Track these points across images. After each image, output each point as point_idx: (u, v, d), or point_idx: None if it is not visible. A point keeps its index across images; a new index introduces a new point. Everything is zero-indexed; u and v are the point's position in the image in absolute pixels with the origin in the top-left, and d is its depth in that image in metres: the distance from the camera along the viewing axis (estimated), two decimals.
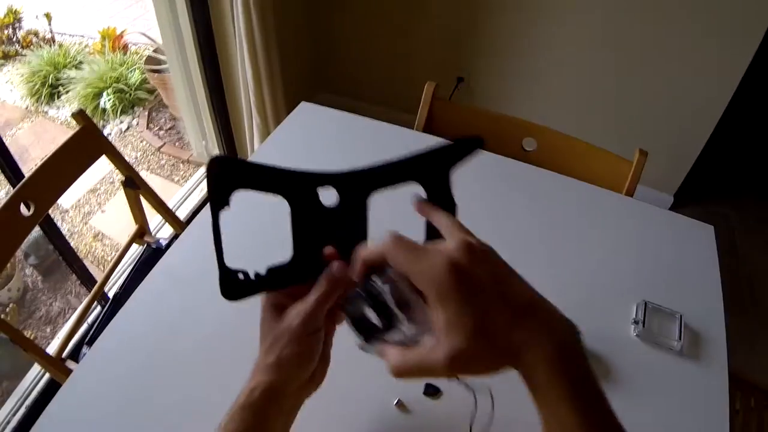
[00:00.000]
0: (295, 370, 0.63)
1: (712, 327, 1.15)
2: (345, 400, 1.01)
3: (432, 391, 1.02)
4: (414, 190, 0.61)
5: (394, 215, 0.69)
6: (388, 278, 0.57)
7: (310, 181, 0.64)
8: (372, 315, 0.58)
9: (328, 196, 0.64)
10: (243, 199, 0.63)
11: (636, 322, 1.15)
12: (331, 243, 0.65)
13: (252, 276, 0.65)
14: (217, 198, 0.63)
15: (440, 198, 0.62)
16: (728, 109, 2.66)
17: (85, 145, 1.69)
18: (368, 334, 0.60)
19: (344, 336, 0.69)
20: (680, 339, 1.11)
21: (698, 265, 1.29)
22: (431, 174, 0.62)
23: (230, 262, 0.65)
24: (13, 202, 1.51)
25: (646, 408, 1.03)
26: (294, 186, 0.64)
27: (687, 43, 2.57)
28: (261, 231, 0.89)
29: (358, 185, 0.64)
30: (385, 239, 0.56)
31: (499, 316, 0.52)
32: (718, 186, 3.43)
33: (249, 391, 0.63)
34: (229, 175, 0.63)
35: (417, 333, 0.55)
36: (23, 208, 1.54)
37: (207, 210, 1.39)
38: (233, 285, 0.65)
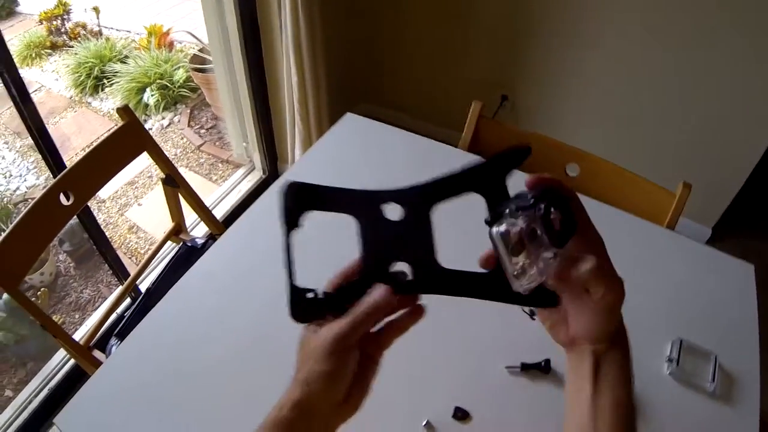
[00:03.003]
0: (324, 388, 0.61)
1: (746, 369, 1.13)
2: (373, 419, 1.00)
3: (461, 415, 1.01)
4: (474, 199, 0.63)
5: (456, 224, 0.74)
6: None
7: (375, 199, 0.65)
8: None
9: (393, 211, 0.65)
10: (309, 219, 0.65)
11: (670, 360, 1.12)
12: (398, 257, 0.66)
13: (321, 295, 0.65)
14: (290, 220, 0.66)
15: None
16: None
17: (128, 141, 1.71)
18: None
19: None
20: (714, 380, 1.09)
21: (736, 304, 1.27)
22: (489, 183, 0.64)
23: (298, 282, 0.65)
24: (53, 192, 1.53)
25: None
26: (361, 205, 0.66)
27: (735, 75, 2.53)
28: (327, 250, 0.89)
29: (421, 199, 0.65)
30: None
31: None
32: (758, 222, 3.37)
33: (278, 408, 0.62)
34: (302, 198, 0.66)
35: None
36: (63, 198, 1.56)
37: (246, 215, 1.41)
38: (303, 305, 0.65)
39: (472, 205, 0.64)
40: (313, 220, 0.65)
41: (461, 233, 0.86)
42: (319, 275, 0.66)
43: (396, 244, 0.66)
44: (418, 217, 0.65)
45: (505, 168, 0.64)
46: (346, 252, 0.66)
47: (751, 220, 3.33)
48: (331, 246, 0.89)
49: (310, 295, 0.65)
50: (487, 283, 0.65)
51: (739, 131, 2.68)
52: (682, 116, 2.78)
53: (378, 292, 0.63)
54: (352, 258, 0.66)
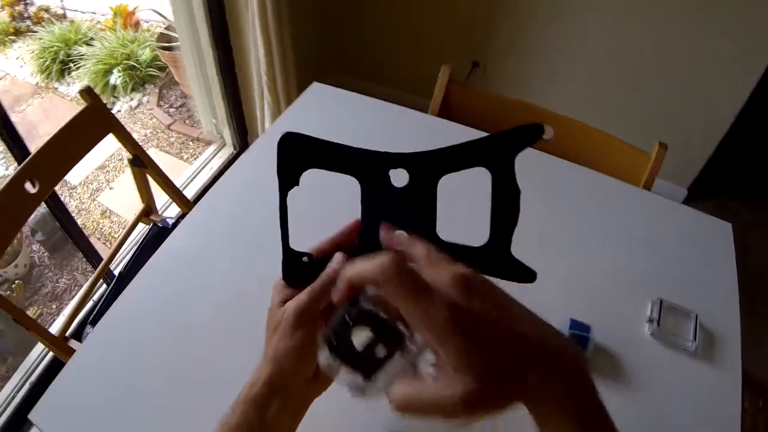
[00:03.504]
0: (292, 363, 0.62)
1: (727, 328, 1.14)
2: (355, 412, 0.98)
3: None
4: (480, 173, 0.62)
5: (458, 198, 0.72)
6: (377, 299, 0.53)
7: (384, 162, 0.64)
8: (364, 340, 0.53)
9: (398, 177, 0.63)
10: (306, 178, 0.64)
11: (651, 321, 1.13)
12: (399, 223, 0.63)
13: (317, 259, 0.65)
14: (286, 176, 0.64)
15: (505, 183, 0.63)
16: (746, 104, 2.64)
17: (92, 123, 1.68)
18: (368, 367, 0.54)
19: None
20: (695, 339, 1.10)
21: (715, 263, 1.27)
22: (497, 159, 0.62)
23: (293, 244, 0.65)
24: (17, 180, 1.50)
25: (657, 408, 1.02)
26: (367, 167, 0.64)
27: (708, 36, 2.53)
28: (323, 211, 0.88)
29: (430, 167, 0.63)
30: (382, 264, 0.50)
31: (509, 355, 0.49)
32: (733, 182, 3.40)
33: (250, 385, 0.63)
34: (300, 153, 0.64)
35: (424, 349, 0.52)
36: (28, 186, 1.52)
37: (213, 190, 1.38)
38: (297, 269, 0.65)
39: (479, 179, 0.63)
40: (312, 176, 0.63)
41: (462, 206, 0.85)
42: (315, 238, 0.66)
43: (398, 211, 0.64)
44: (424, 186, 0.64)
45: (517, 145, 0.62)
46: (346, 214, 0.65)
47: (726, 180, 3.36)
48: (329, 207, 0.88)
49: (305, 259, 0.65)
50: (480, 257, 0.64)
51: (713, 92, 2.70)
52: (657, 77, 2.78)
53: (335, 261, 0.63)
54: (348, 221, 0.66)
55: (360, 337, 0.53)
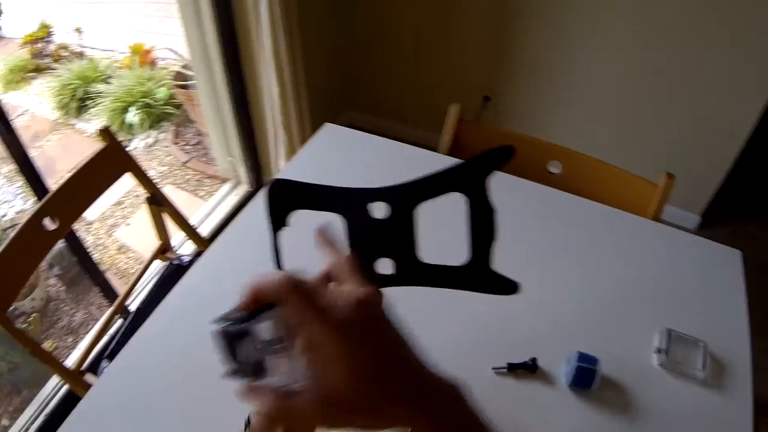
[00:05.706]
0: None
1: (737, 356, 1.13)
2: None
3: None
4: (456, 199, 0.67)
5: (438, 222, 0.76)
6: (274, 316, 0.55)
7: (363, 197, 0.68)
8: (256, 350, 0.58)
9: (379, 209, 0.69)
10: (296, 216, 0.69)
11: (659, 351, 1.12)
12: (382, 254, 0.70)
13: None
14: (276, 219, 0.70)
15: (480, 204, 0.68)
16: (756, 127, 2.64)
17: (110, 163, 1.71)
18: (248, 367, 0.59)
19: None
20: (704, 368, 1.09)
21: (724, 292, 1.27)
22: (471, 183, 0.68)
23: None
24: (37, 217, 1.52)
25: None
26: (348, 203, 0.69)
27: (715, 63, 2.55)
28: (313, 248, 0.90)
29: (407, 197, 0.68)
30: (279, 281, 0.53)
31: (389, 385, 0.51)
32: (746, 205, 3.38)
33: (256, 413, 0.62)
34: (288, 197, 0.70)
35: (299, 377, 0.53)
36: (48, 222, 1.55)
37: (229, 229, 1.40)
38: None
39: (454, 204, 0.67)
40: (301, 216, 0.68)
41: (441, 230, 0.87)
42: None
43: (381, 241, 0.69)
44: (403, 215, 0.69)
45: (487, 169, 0.67)
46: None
47: (739, 204, 3.34)
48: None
49: None
50: (461, 275, 0.70)
51: (721, 119, 2.70)
52: (666, 107, 2.80)
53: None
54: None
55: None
